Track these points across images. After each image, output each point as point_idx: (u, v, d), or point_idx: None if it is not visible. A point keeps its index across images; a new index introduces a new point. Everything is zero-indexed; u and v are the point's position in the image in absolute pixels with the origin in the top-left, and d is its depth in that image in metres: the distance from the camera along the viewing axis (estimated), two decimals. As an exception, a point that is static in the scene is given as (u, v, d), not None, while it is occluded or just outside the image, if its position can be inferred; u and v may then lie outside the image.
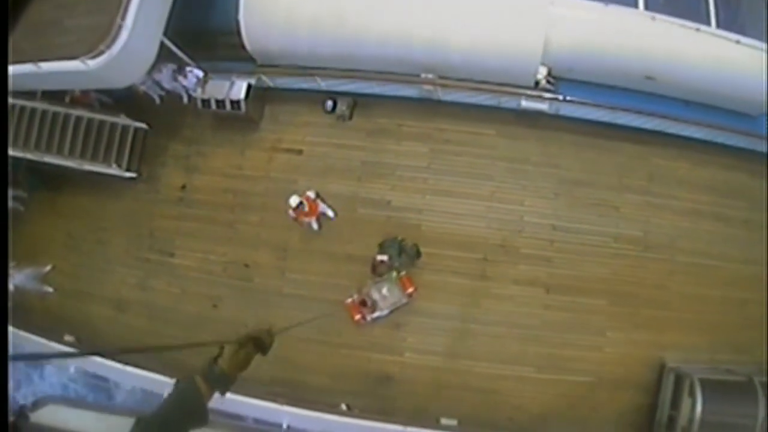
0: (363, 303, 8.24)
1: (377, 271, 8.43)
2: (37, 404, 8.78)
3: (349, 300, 8.33)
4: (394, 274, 8.26)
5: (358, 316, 8.34)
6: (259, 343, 2.48)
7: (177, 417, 2.02)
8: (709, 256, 8.40)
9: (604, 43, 8.10)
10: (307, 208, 8.03)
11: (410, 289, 8.27)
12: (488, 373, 8.28)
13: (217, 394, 2.25)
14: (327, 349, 8.42)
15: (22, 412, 8.46)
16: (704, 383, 7.53)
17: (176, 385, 2.19)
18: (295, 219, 8.20)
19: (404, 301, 8.32)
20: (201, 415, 2.11)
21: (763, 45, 7.89)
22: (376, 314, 8.32)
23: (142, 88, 9.23)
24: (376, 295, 8.27)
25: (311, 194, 8.20)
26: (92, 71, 7.89)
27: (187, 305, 9.02)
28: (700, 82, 8.17)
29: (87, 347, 8.89)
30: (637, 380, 8.21)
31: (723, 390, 7.67)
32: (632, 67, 8.21)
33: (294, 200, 7.85)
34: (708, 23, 8.11)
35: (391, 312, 8.36)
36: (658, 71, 8.20)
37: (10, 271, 9.53)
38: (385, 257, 8.31)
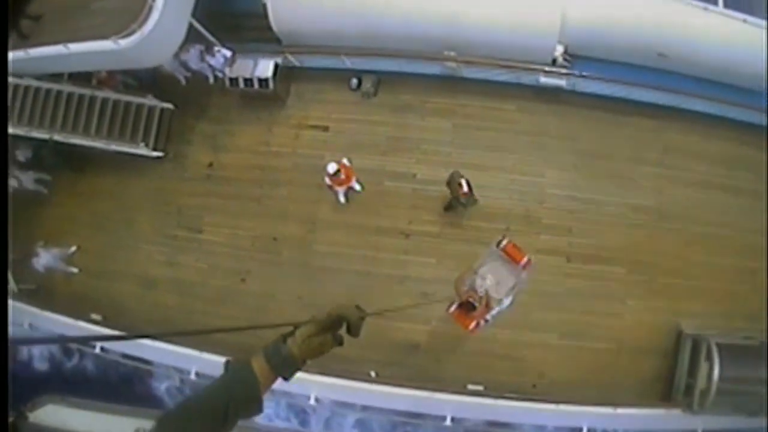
0: (469, 304, 6.23)
1: (459, 201, 7.58)
2: (36, 404, 8.77)
3: (452, 308, 6.52)
4: (495, 246, 6.63)
5: (472, 325, 6.45)
6: (346, 325, 1.94)
7: (225, 403, 1.64)
8: (721, 225, 8.69)
9: (618, 22, 8.46)
10: (343, 176, 8.22)
11: (523, 259, 6.54)
12: (513, 340, 8.49)
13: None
14: (350, 304, 8.53)
15: (22, 412, 8.42)
16: (721, 347, 7.75)
17: (227, 366, 1.78)
18: (330, 187, 8.36)
19: (524, 277, 6.54)
20: (254, 402, 1.71)
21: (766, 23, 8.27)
22: (495, 310, 6.41)
23: (169, 69, 9.44)
24: (483, 285, 6.22)
25: (346, 162, 8.39)
26: (123, 51, 8.12)
27: (216, 280, 9.18)
28: (709, 58, 8.53)
29: (117, 326, 8.96)
30: (655, 347, 8.45)
31: (739, 354, 7.88)
32: (645, 44, 8.56)
33: (332, 167, 8.02)
34: (715, 2, 8.48)
35: (513, 300, 6.53)
36: (669, 48, 8.56)
37: (37, 253, 9.65)
38: (464, 187, 7.38)
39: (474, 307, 6.21)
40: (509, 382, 8.42)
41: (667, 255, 8.65)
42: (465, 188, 7.75)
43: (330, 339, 1.88)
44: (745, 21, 8.40)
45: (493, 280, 6.29)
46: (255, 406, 1.71)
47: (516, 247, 6.62)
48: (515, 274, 6.47)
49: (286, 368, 1.78)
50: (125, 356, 9.57)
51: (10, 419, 8.58)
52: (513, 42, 8.46)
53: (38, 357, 12.49)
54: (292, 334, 1.83)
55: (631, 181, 8.79)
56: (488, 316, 6.51)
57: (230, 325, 8.89)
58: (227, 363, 1.78)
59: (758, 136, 8.79)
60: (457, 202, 8.14)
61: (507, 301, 6.44)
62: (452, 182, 7.82)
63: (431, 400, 8.11)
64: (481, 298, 6.22)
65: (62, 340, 11.96)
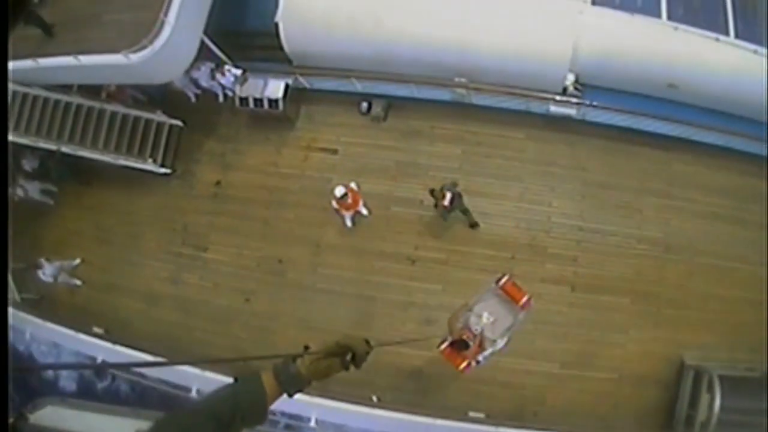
0: (462, 342, 5.90)
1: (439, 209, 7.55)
2: (36, 405, 8.77)
3: (443, 345, 6.21)
4: (494, 283, 6.25)
5: (463, 365, 6.15)
6: (351, 355, 2.04)
7: (232, 408, 1.73)
8: (727, 257, 8.70)
9: (630, 52, 8.49)
10: (350, 200, 8.23)
11: (522, 299, 6.13)
12: (515, 368, 8.49)
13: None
14: (359, 336, 8.56)
15: (22, 413, 8.43)
16: (723, 379, 7.77)
17: (237, 379, 1.87)
18: (337, 210, 8.38)
19: (520, 317, 6.18)
20: (260, 412, 1.80)
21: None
22: (489, 351, 6.09)
23: (179, 86, 9.45)
24: (478, 323, 5.88)
25: (354, 186, 8.41)
26: (133, 65, 8.11)
27: (220, 299, 9.19)
28: (719, 90, 8.55)
29: (119, 340, 8.97)
30: (657, 377, 8.45)
31: (741, 386, 7.89)
32: (656, 75, 8.58)
33: (339, 191, 8.03)
34: (727, 33, 8.50)
35: (508, 342, 6.17)
36: (680, 79, 8.58)
37: (42, 265, 9.64)
38: (446, 200, 7.38)
39: (467, 346, 5.89)
40: (510, 410, 8.43)
41: (671, 286, 8.66)
42: (446, 201, 7.69)
43: (337, 363, 1.99)
44: (756, 52, 8.43)
45: (489, 318, 5.97)
46: (260, 415, 1.81)
47: (516, 285, 6.26)
48: (513, 314, 6.13)
49: (292, 386, 1.89)
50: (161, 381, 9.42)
51: (11, 420, 8.63)
52: (524, 70, 8.48)
53: (65, 377, 12.31)
54: (302, 355, 1.94)
55: (637, 212, 8.81)
56: (481, 357, 6.16)
57: (234, 344, 9.03)
58: (236, 377, 1.88)
59: (764, 167, 8.81)
60: (439, 209, 8.09)
61: (502, 343, 6.12)
62: (440, 189, 7.79)
63: (432, 426, 8.11)
64: (475, 337, 5.89)
65: (88, 367, 11.82)
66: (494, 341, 6.01)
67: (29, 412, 8.54)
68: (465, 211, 8.40)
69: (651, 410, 8.47)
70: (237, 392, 1.80)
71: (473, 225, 8.71)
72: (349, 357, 2.02)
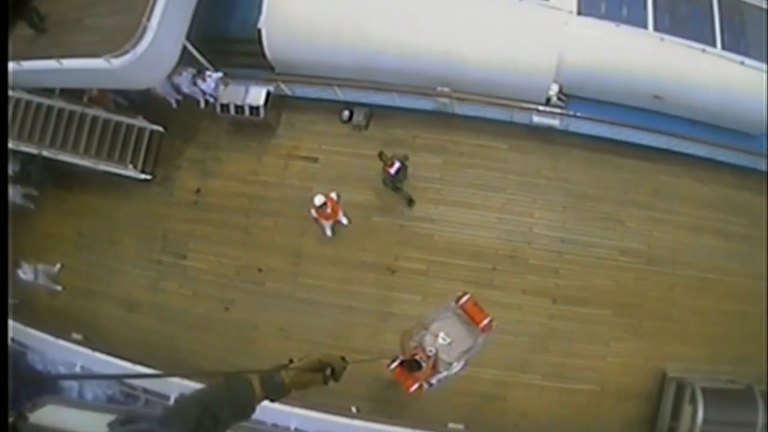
0: (414, 363, 5.42)
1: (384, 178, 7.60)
2: (36, 405, 8.69)
3: (393, 365, 5.73)
4: (454, 302, 5.78)
5: (414, 387, 5.72)
6: (330, 371, 2.31)
7: (224, 405, 1.92)
8: (710, 270, 8.67)
9: (615, 63, 8.41)
10: (329, 209, 8.16)
11: (483, 321, 5.66)
12: (495, 380, 8.45)
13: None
14: (358, 357, 8.48)
15: (21, 412, 8.40)
16: (705, 391, 7.74)
17: (228, 379, 2.11)
18: (316, 219, 8.31)
19: (480, 341, 5.71)
20: (247, 412, 2.04)
21: (765, 66, 8.23)
22: (443, 374, 5.63)
23: (160, 91, 9.35)
24: (433, 344, 5.40)
25: (334, 196, 8.34)
26: (115, 70, 8.01)
27: (199, 307, 9.11)
28: (705, 101, 8.50)
29: (98, 347, 8.91)
30: (639, 389, 8.42)
31: (723, 398, 7.88)
32: (641, 86, 8.52)
33: (319, 200, 7.97)
34: (714, 45, 8.44)
35: (465, 366, 5.72)
36: (665, 91, 8.52)
37: (22, 266, 9.56)
38: (392, 169, 7.46)
39: (420, 367, 5.38)
40: (491, 421, 8.39)
41: (653, 298, 8.63)
42: (392, 170, 7.67)
43: (319, 378, 2.28)
44: (742, 63, 8.38)
45: (446, 339, 5.48)
46: (248, 413, 2.05)
47: (477, 306, 5.77)
48: (472, 337, 5.60)
49: (275, 393, 2.13)
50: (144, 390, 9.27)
51: (10, 420, 8.52)
52: (507, 80, 8.40)
53: (92, 398, 12.18)
54: (286, 367, 2.21)
55: (620, 224, 8.75)
56: (434, 380, 5.68)
57: (213, 352, 8.95)
58: (227, 378, 2.12)
59: (751, 180, 8.79)
60: (385, 180, 8.07)
61: (458, 366, 5.61)
62: (391, 156, 7.73)
63: (412, 438, 8.08)
64: (429, 358, 5.40)
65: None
66: (450, 364, 5.54)
67: (29, 412, 8.49)
68: (399, 189, 8.41)
69: (633, 422, 8.44)
70: (231, 390, 2.01)
71: (410, 201, 8.71)
72: (328, 372, 2.30)
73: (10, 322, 9.31)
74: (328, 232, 8.68)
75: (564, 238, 8.67)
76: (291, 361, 2.25)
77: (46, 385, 11.51)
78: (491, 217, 8.71)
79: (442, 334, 5.50)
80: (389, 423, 8.07)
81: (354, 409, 8.35)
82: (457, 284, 8.52)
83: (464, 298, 5.82)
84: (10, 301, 9.79)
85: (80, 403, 9.65)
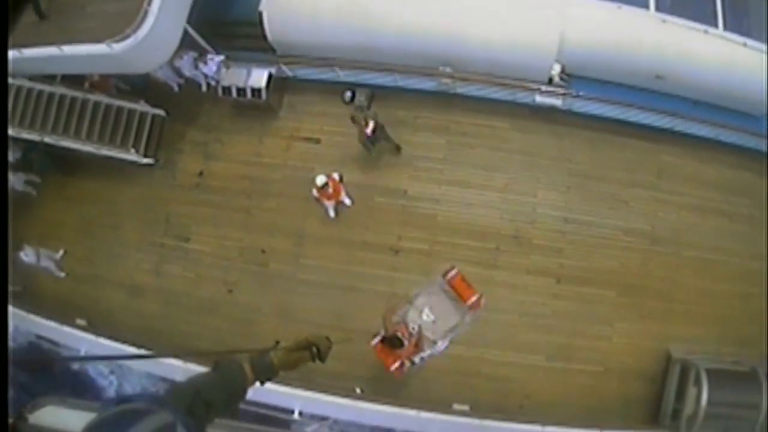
0: (396, 339, 5.17)
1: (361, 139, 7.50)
2: (35, 405, 8.66)
3: (375, 340, 5.57)
4: (441, 276, 5.43)
5: (395, 365, 5.49)
6: (316, 350, 2.38)
7: (216, 391, 1.92)
8: (714, 250, 8.62)
9: (617, 43, 8.39)
10: (331, 190, 8.14)
11: (471, 298, 5.30)
12: (499, 360, 8.42)
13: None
14: (342, 335, 8.48)
15: (21, 413, 8.38)
16: (710, 373, 7.71)
17: (218, 364, 2.11)
18: (318, 199, 8.28)
19: (467, 319, 5.39)
20: (240, 396, 2.07)
21: (765, 47, 8.21)
22: (426, 353, 5.40)
23: (161, 76, 9.35)
24: (416, 320, 5.12)
25: (336, 176, 8.30)
26: (117, 55, 8.01)
27: (202, 290, 9.09)
28: (707, 82, 8.47)
29: (100, 331, 8.90)
30: (643, 370, 8.39)
31: (727, 380, 7.84)
32: (643, 66, 8.49)
33: (321, 179, 7.94)
34: (716, 25, 8.42)
35: (449, 345, 5.44)
36: (667, 71, 8.49)
37: (24, 249, 9.55)
38: (368, 129, 7.40)
39: (401, 344, 5.11)
40: (495, 402, 8.34)
41: (657, 278, 8.58)
42: (369, 130, 7.63)
43: (306, 356, 2.35)
44: (745, 44, 8.36)
45: (430, 316, 5.18)
46: (241, 398, 2.09)
47: (465, 281, 5.42)
48: (459, 314, 5.28)
49: (264, 374, 2.18)
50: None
51: (10, 420, 8.53)
52: (510, 60, 8.38)
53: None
54: (274, 348, 2.27)
55: (624, 204, 8.71)
56: (416, 358, 5.47)
57: (217, 335, 8.93)
58: (218, 362, 2.12)
59: (755, 160, 8.74)
60: (366, 144, 8.06)
61: (442, 345, 5.34)
62: (361, 119, 7.71)
63: (416, 418, 8.03)
64: (411, 335, 5.14)
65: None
66: (434, 342, 5.27)
67: (29, 412, 8.47)
68: (387, 139, 8.42)
69: (637, 403, 8.40)
70: (223, 376, 2.03)
71: (398, 148, 8.70)
72: (315, 350, 2.36)
73: (13, 309, 9.31)
74: (331, 213, 8.66)
75: (568, 218, 8.63)
76: (278, 342, 2.32)
77: (79, 385, 11.64)
78: (494, 196, 8.67)
79: (426, 310, 5.20)
80: (394, 404, 8.03)
81: (358, 390, 8.32)
82: (461, 264, 8.31)
83: (451, 272, 5.50)
84: (13, 288, 9.81)
85: (80, 404, 9.60)
